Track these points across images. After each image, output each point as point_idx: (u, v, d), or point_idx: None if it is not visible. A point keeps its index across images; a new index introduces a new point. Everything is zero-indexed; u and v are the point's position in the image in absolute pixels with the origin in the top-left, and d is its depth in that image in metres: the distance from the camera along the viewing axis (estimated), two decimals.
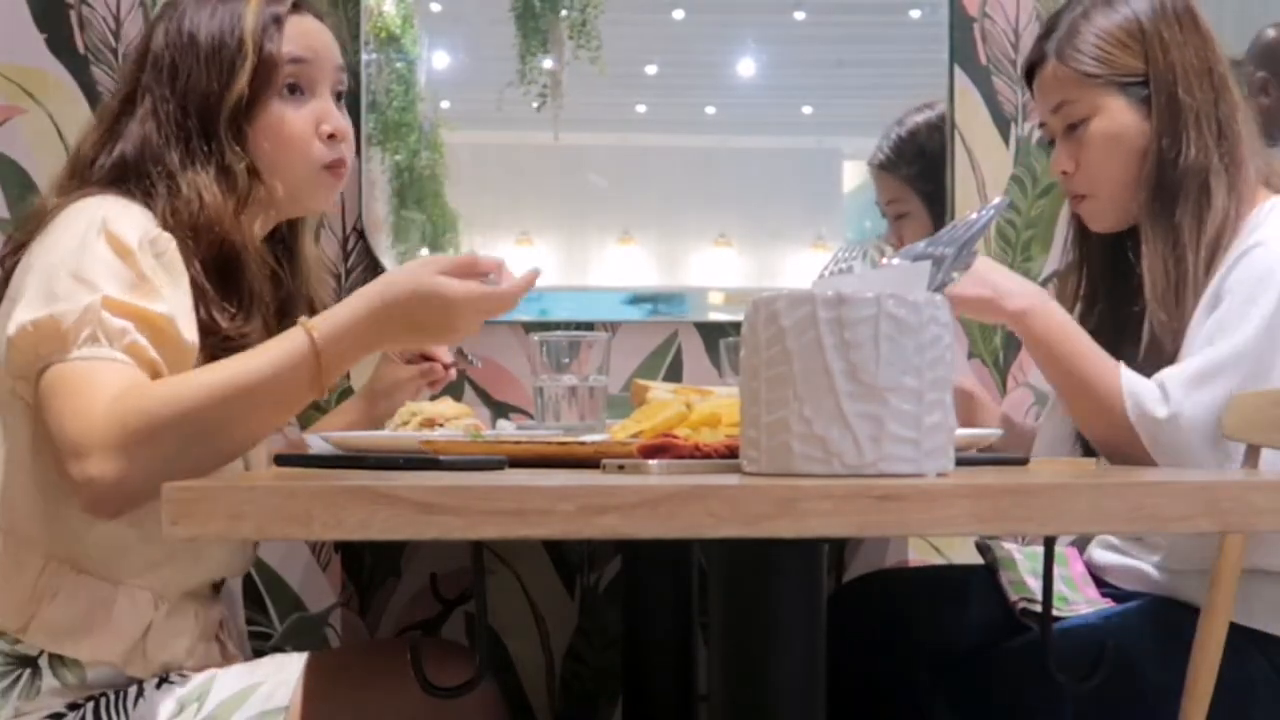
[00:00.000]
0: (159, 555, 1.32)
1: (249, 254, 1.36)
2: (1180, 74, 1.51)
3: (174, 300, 1.26)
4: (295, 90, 1.40)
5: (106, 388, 1.16)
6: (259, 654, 1.44)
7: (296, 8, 1.43)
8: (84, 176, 1.36)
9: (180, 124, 1.36)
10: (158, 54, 1.39)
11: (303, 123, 1.40)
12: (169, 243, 1.29)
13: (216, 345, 1.30)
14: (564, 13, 2.08)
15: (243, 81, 1.36)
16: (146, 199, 1.33)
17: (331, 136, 1.42)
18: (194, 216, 1.32)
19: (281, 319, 1.43)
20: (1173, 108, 1.50)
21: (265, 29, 1.39)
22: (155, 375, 1.21)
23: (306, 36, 1.42)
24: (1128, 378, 1.41)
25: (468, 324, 1.24)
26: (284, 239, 1.49)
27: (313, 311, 1.44)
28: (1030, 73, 1.61)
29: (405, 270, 1.24)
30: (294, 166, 1.40)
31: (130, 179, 1.34)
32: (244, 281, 1.36)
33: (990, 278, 1.47)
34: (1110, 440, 1.42)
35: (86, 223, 1.25)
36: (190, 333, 1.26)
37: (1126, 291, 1.56)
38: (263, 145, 1.38)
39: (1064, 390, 1.49)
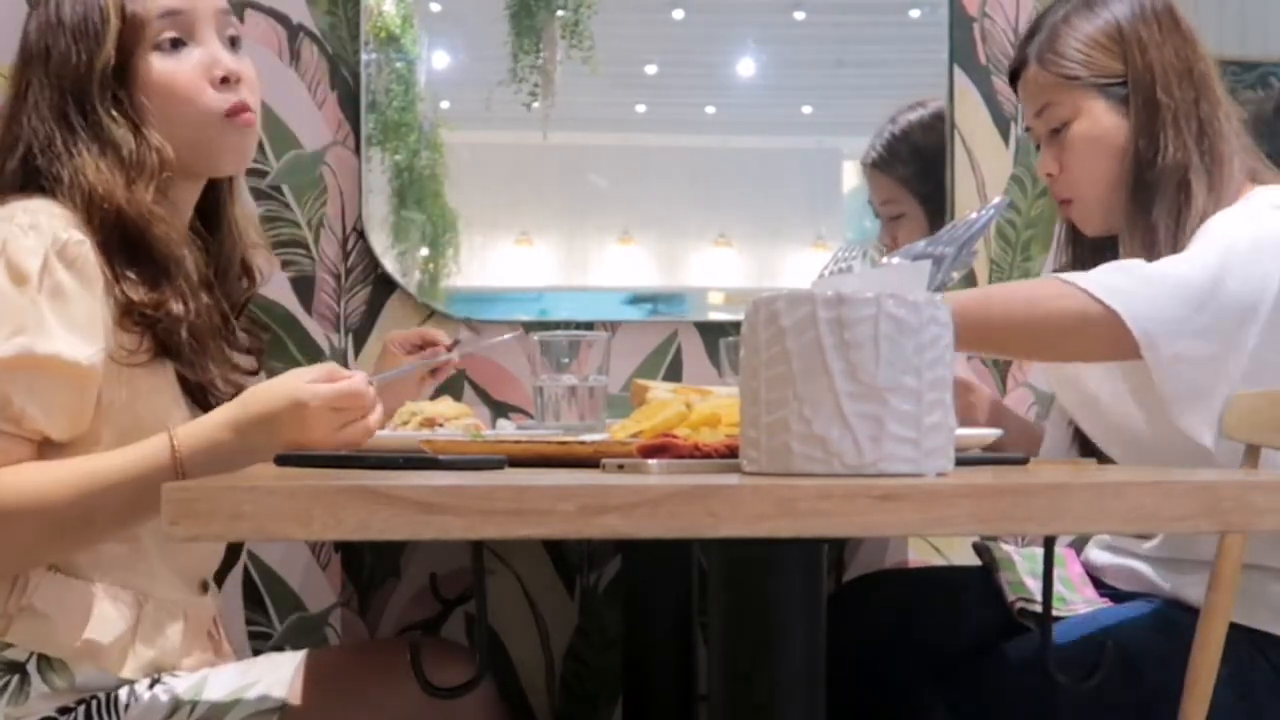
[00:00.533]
0: (130, 554, 1.32)
1: (152, 224, 1.31)
2: (1159, 74, 1.51)
3: (82, 317, 1.24)
4: (177, 45, 1.36)
5: None
6: (258, 654, 1.43)
7: None
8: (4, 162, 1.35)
9: (58, 107, 1.33)
10: (32, 44, 1.36)
11: (187, 73, 1.35)
12: (80, 245, 1.26)
13: (140, 320, 1.29)
14: (559, 13, 2.08)
15: (109, 47, 1.33)
16: (55, 194, 1.31)
17: (225, 81, 1.37)
18: (87, 199, 1.29)
19: (216, 286, 1.42)
20: (1151, 108, 1.50)
21: None
22: (39, 438, 1.23)
23: None
24: (1066, 276, 1.37)
25: (319, 421, 1.20)
26: (204, 206, 1.46)
27: (248, 275, 1.43)
28: (1014, 76, 1.62)
29: (270, 380, 1.24)
30: (189, 119, 1.35)
31: (38, 177, 1.32)
32: (152, 249, 1.32)
33: None
34: (1095, 343, 1.36)
35: None
36: (87, 349, 1.24)
37: None
38: (148, 105, 1.34)
39: (1027, 341, 1.41)
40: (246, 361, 1.48)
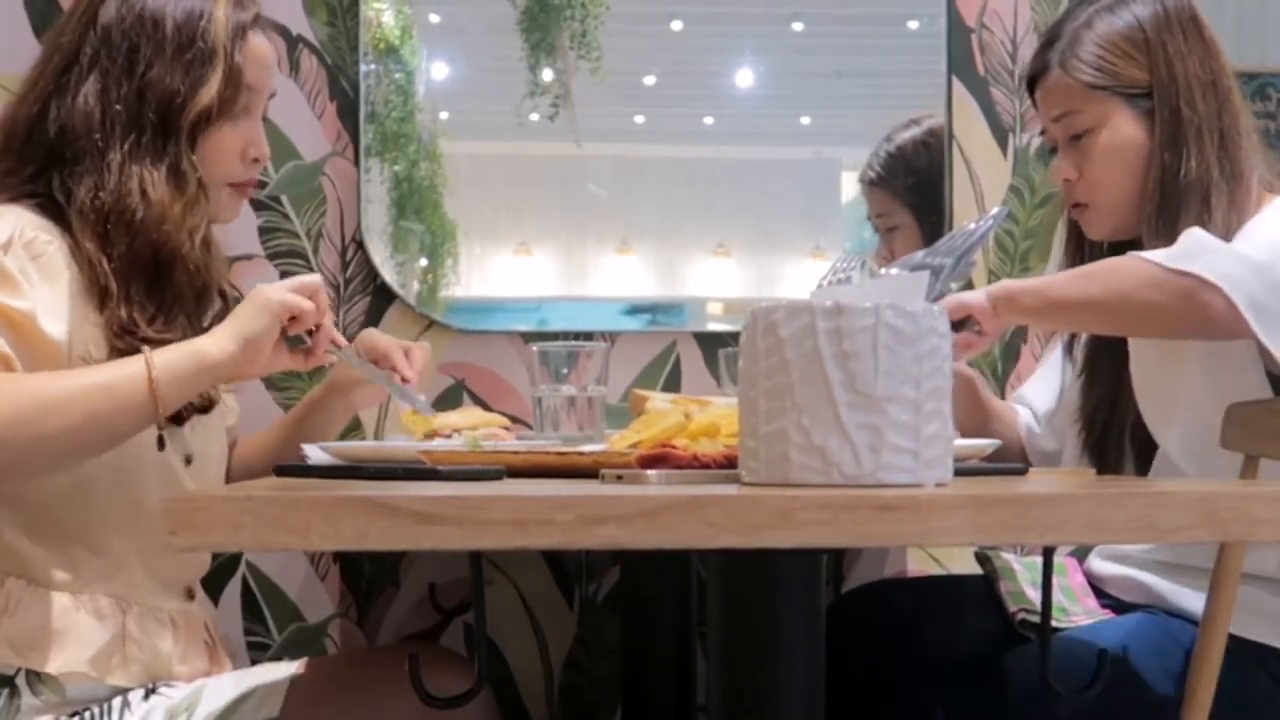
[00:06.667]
0: (108, 566, 1.32)
1: (184, 259, 1.34)
2: (1183, 86, 1.50)
3: (40, 298, 1.24)
4: (239, 114, 1.40)
5: None
6: (256, 665, 1.43)
7: (257, 20, 1.42)
8: (21, 154, 1.34)
9: (133, 113, 1.34)
10: (108, 28, 1.35)
11: (233, 144, 1.41)
12: (48, 244, 1.27)
13: (132, 346, 1.29)
14: (566, 23, 2.09)
15: (213, 91, 1.35)
16: (69, 187, 1.31)
17: (255, 160, 1.44)
18: (130, 212, 1.30)
19: (198, 309, 1.43)
20: (1176, 121, 1.50)
21: (234, 38, 1.37)
22: (6, 367, 1.21)
23: (260, 62, 1.42)
24: (1140, 253, 1.37)
25: (273, 306, 1.29)
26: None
27: (225, 299, 1.46)
28: (1032, 82, 1.61)
29: None
30: (211, 181, 1.40)
31: (65, 164, 1.32)
32: (172, 285, 1.34)
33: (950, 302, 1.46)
34: (1164, 313, 1.35)
35: None
36: (56, 329, 1.24)
37: None
38: (200, 155, 1.38)
39: (1108, 314, 1.40)
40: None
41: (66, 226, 1.31)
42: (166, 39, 1.34)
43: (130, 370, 1.21)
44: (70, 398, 1.17)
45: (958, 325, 1.46)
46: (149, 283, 1.32)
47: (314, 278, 1.36)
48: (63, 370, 1.24)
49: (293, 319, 1.33)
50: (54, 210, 1.32)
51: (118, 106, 1.33)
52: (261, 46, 1.42)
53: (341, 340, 1.42)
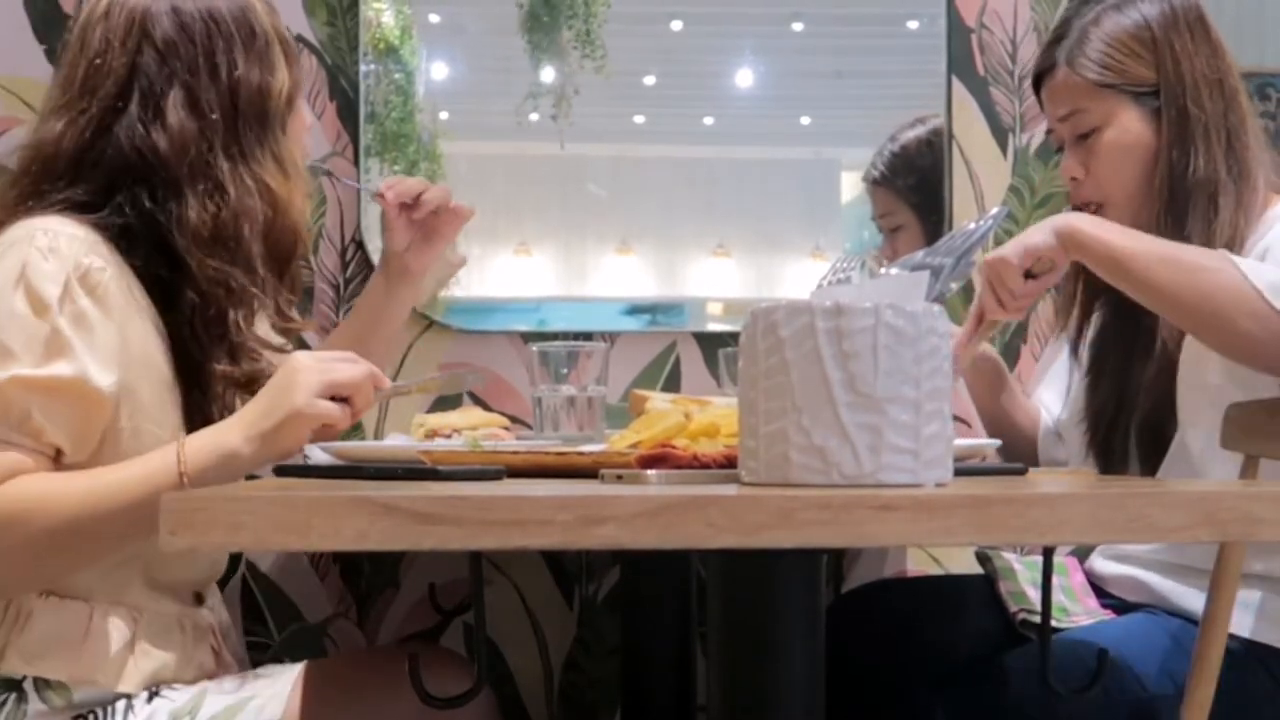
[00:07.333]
0: (121, 569, 1.31)
1: (305, 241, 1.37)
2: (1190, 85, 1.50)
3: (97, 345, 1.23)
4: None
5: None
6: (257, 665, 1.43)
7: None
8: (71, 176, 1.30)
9: (231, 116, 1.32)
10: (171, 42, 1.31)
11: (304, 121, 1.44)
12: (101, 272, 1.25)
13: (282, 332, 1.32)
14: (569, 23, 2.08)
15: (284, 73, 1.36)
16: (144, 202, 1.29)
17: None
18: (254, 212, 1.30)
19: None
20: (1183, 120, 1.50)
21: (273, 17, 1.39)
22: (54, 452, 1.23)
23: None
24: (1240, 262, 1.33)
25: (296, 381, 1.23)
26: None
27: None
28: (1039, 79, 1.61)
29: None
30: (300, 173, 1.41)
31: (153, 180, 1.29)
32: (295, 268, 1.36)
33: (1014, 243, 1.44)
34: (1252, 344, 1.32)
35: (7, 269, 1.22)
36: (105, 380, 1.23)
37: (1127, 302, 1.56)
38: (289, 152, 1.39)
39: (1189, 316, 1.37)
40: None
41: (130, 245, 1.29)
42: (234, 35, 1.34)
43: (165, 479, 1.21)
44: (113, 511, 1.20)
45: (1033, 275, 1.44)
46: (281, 274, 1.34)
47: (359, 373, 1.26)
48: (99, 467, 1.24)
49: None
50: (115, 229, 1.29)
51: (213, 115, 1.31)
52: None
53: (386, 383, 1.31)
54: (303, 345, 1.31)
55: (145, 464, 1.22)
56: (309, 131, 1.46)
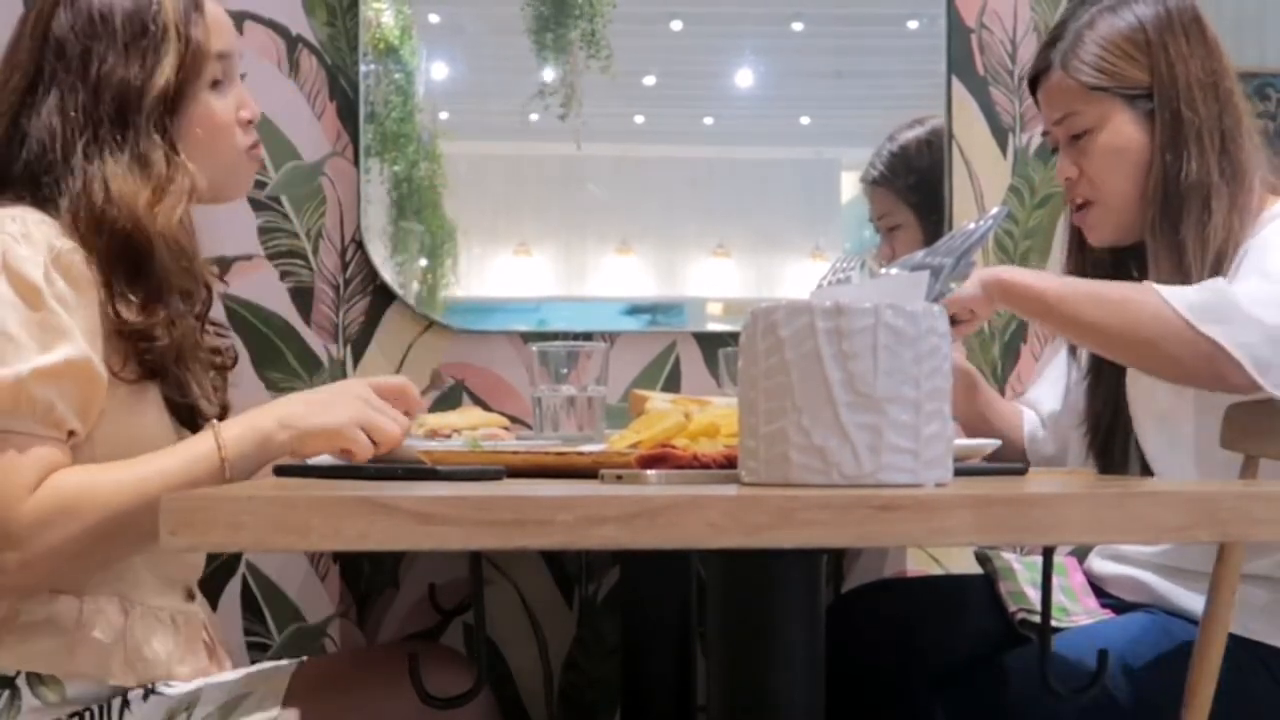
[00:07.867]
0: (114, 568, 1.31)
1: (162, 244, 1.32)
2: (1184, 88, 1.50)
3: (83, 324, 1.24)
4: (217, 84, 1.40)
5: (24, 473, 1.18)
6: (255, 664, 1.43)
7: None
8: (4, 168, 1.32)
9: (90, 113, 1.32)
10: (62, 40, 1.33)
11: (227, 112, 1.42)
12: (74, 253, 1.26)
13: (127, 339, 1.29)
14: (575, 23, 2.08)
15: (169, 72, 1.35)
16: (55, 200, 1.30)
17: (249, 122, 1.45)
18: (98, 209, 1.29)
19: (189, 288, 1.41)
20: (1176, 123, 1.50)
21: (187, 15, 1.37)
22: (70, 438, 1.23)
23: (222, 28, 1.42)
24: (1162, 289, 1.36)
25: (347, 404, 1.25)
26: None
27: (206, 285, 1.45)
28: (1034, 81, 1.61)
29: None
30: (223, 155, 1.41)
31: (44, 176, 1.31)
32: (154, 272, 1.32)
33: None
34: (1182, 366, 1.35)
35: None
36: (95, 355, 1.24)
37: None
38: (194, 135, 1.38)
39: (1121, 348, 1.41)
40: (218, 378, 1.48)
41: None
42: (117, 32, 1.34)
43: (207, 464, 1.23)
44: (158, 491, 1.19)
45: (955, 320, 1.47)
46: (130, 276, 1.31)
47: (396, 434, 1.25)
48: (136, 457, 1.25)
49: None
50: (54, 213, 1.31)
51: (73, 113, 1.32)
52: (216, 12, 1.42)
53: (411, 452, 1.32)
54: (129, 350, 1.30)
55: (187, 449, 1.25)
56: (245, 124, 1.43)
